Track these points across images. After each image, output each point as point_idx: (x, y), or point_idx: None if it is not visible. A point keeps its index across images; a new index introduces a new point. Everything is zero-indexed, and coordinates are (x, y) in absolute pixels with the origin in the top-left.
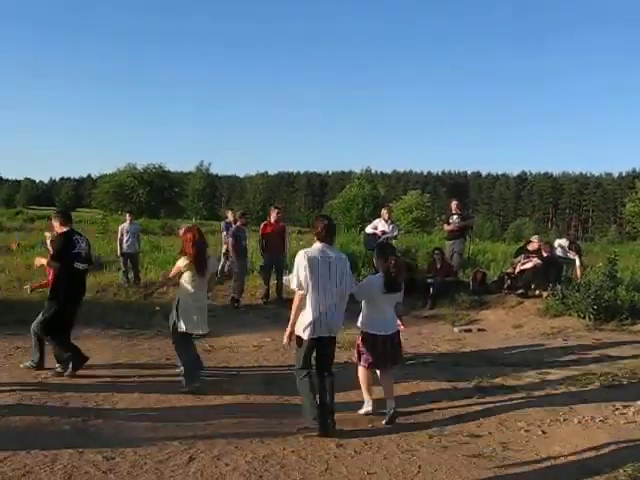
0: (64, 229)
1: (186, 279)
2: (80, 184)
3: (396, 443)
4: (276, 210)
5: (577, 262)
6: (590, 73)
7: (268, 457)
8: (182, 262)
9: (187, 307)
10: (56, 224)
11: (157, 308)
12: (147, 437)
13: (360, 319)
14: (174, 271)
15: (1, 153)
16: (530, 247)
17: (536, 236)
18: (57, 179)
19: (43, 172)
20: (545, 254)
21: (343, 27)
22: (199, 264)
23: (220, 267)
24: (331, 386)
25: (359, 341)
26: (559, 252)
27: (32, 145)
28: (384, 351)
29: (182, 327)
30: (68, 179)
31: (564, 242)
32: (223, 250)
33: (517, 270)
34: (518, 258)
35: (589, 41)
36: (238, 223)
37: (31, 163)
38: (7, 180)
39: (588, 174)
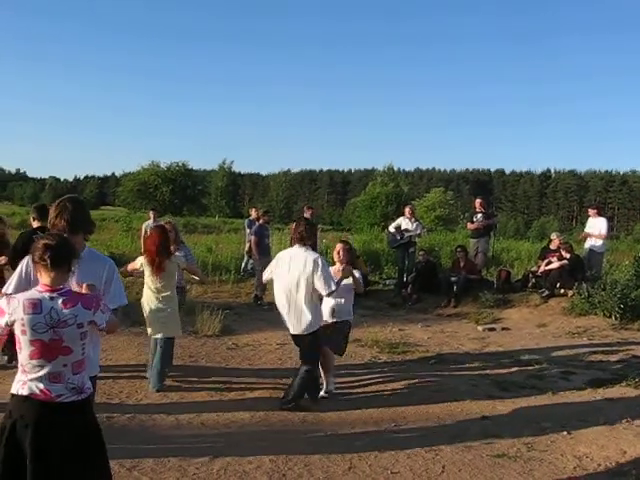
0: (37, 225)
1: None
2: (104, 182)
3: (420, 442)
4: (310, 210)
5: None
6: (616, 73)
7: (291, 455)
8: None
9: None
10: (32, 220)
11: (182, 305)
12: (171, 434)
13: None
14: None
15: (28, 151)
16: (552, 246)
17: (555, 233)
18: (81, 177)
19: (68, 170)
20: (566, 254)
21: (368, 26)
22: (149, 262)
23: (243, 265)
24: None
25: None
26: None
27: (57, 143)
28: None
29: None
30: (92, 177)
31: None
32: (246, 248)
33: (542, 270)
34: (546, 260)
35: (618, 43)
36: (261, 221)
37: (56, 162)
38: (33, 178)
39: (613, 171)
